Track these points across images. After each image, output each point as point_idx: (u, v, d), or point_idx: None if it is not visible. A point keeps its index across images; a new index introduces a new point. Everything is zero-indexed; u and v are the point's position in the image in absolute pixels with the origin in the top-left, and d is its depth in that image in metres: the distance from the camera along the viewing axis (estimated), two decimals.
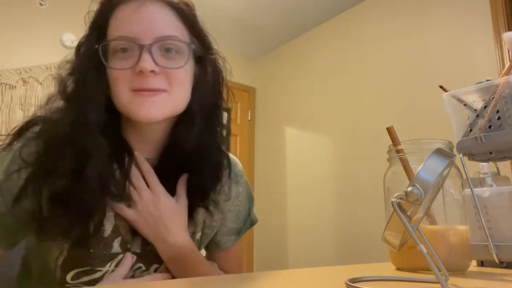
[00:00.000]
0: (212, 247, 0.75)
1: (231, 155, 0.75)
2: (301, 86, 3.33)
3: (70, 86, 0.61)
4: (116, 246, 0.60)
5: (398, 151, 0.55)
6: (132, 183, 0.61)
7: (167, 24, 0.59)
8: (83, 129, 0.57)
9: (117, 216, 0.61)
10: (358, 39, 2.90)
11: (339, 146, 2.91)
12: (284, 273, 0.54)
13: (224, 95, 0.69)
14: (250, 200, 0.79)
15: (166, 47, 0.59)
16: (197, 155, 0.64)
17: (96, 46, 0.58)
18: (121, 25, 0.58)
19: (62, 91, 0.61)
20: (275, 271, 0.54)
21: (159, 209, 0.61)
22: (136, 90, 0.57)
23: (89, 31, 0.62)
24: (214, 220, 0.70)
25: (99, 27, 0.61)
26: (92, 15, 0.62)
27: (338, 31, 3.08)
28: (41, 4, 2.59)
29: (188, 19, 0.63)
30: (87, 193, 0.55)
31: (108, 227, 0.60)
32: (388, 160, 0.59)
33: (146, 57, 0.56)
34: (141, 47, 0.56)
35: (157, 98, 0.58)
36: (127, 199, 0.60)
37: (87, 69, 0.59)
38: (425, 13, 2.49)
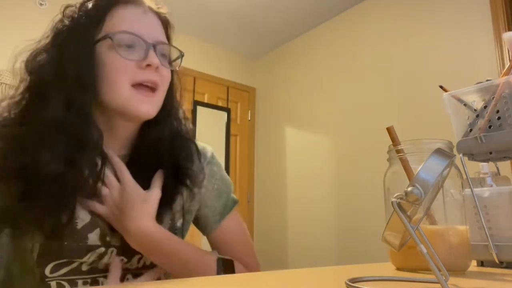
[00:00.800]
0: (203, 230, 0.77)
1: (200, 142, 0.79)
2: (301, 86, 3.33)
3: (51, 72, 0.60)
4: (93, 238, 0.61)
5: (398, 151, 0.55)
6: (103, 180, 0.62)
7: (162, 32, 0.68)
8: (78, 115, 0.58)
9: None
10: (358, 39, 2.90)
11: (339, 146, 2.91)
12: (284, 273, 0.54)
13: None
14: (228, 181, 0.81)
15: (162, 52, 0.66)
16: (167, 147, 0.67)
17: (111, 34, 0.61)
18: (126, 23, 0.63)
19: (41, 78, 0.60)
20: (275, 271, 0.54)
21: (123, 198, 0.61)
22: (136, 85, 0.62)
23: (78, 19, 0.63)
24: (192, 205, 0.73)
25: (93, 19, 0.63)
26: (84, 6, 0.65)
27: (338, 31, 3.08)
28: (41, 4, 2.59)
29: (169, 33, 0.71)
30: (75, 180, 0.56)
31: (81, 220, 0.61)
32: (388, 160, 0.59)
33: (153, 53, 0.63)
34: (149, 45, 0.63)
35: (153, 99, 0.64)
36: (98, 195, 0.61)
37: (82, 56, 0.60)
38: (425, 13, 2.49)
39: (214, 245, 0.77)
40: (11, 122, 0.60)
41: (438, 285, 0.34)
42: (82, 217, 0.61)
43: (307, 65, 3.30)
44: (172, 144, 0.69)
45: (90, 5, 0.65)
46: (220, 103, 3.53)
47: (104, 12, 0.63)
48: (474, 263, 0.61)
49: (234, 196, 0.81)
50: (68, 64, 0.60)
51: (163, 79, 0.65)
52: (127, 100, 0.61)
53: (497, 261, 0.57)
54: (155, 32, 0.66)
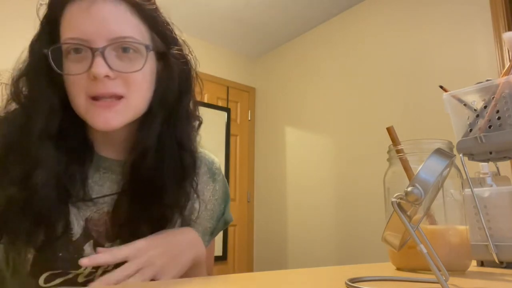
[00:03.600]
0: None
1: (207, 152, 0.73)
2: (301, 86, 3.33)
3: (23, 88, 0.58)
4: (89, 250, 0.58)
5: (398, 151, 0.55)
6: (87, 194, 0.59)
7: (123, 23, 0.55)
8: (30, 136, 0.54)
9: (90, 220, 0.59)
10: (358, 39, 2.90)
11: (339, 146, 2.91)
12: (284, 273, 0.54)
13: (196, 88, 0.66)
14: (226, 198, 0.76)
15: (123, 47, 0.55)
16: (160, 156, 0.61)
17: (46, 51, 0.54)
18: (72, 25, 0.54)
19: (15, 93, 0.58)
20: (275, 271, 0.54)
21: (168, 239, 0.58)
22: (94, 98, 0.55)
23: (39, 28, 0.58)
24: (190, 217, 0.68)
25: (49, 25, 0.57)
26: (43, 9, 0.58)
27: (338, 31, 3.08)
28: (41, 4, 2.59)
29: (147, 14, 0.58)
30: (37, 200, 0.53)
31: (76, 231, 0.58)
32: (388, 160, 0.59)
33: (99, 61, 0.52)
34: (93, 51, 0.53)
35: (115, 108, 0.55)
36: (89, 200, 0.58)
37: (39, 72, 0.56)
38: (426, 13, 2.49)
39: None
40: None
41: (438, 285, 0.34)
42: (76, 229, 0.58)
43: (307, 65, 3.30)
44: (160, 158, 0.60)
45: (47, 6, 0.57)
46: (220, 103, 3.53)
47: (57, 16, 0.56)
48: (474, 263, 0.61)
49: (228, 215, 0.76)
50: (26, 81, 0.57)
51: (129, 83, 0.55)
52: (85, 113, 0.55)
53: (497, 261, 0.57)
54: (109, 27, 0.53)
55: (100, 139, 0.62)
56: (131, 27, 0.56)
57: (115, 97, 0.55)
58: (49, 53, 0.54)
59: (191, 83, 0.65)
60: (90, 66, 0.52)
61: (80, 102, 0.55)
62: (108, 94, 0.54)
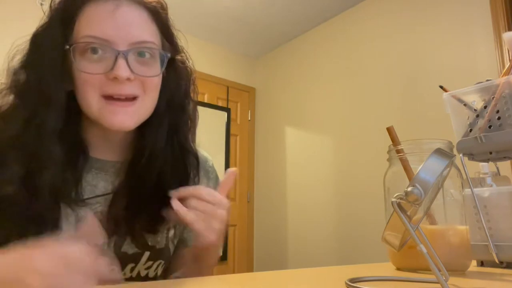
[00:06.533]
0: (178, 244, 0.72)
1: (201, 151, 0.73)
2: (301, 86, 3.33)
3: (22, 80, 0.55)
4: None
5: (398, 151, 0.55)
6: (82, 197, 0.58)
7: (144, 28, 0.57)
8: (37, 133, 0.53)
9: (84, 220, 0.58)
10: (359, 39, 2.90)
11: (339, 146, 2.91)
12: (284, 273, 0.54)
13: (192, 92, 0.69)
14: None
15: (141, 51, 0.57)
16: (165, 156, 0.62)
17: (67, 47, 0.54)
18: (94, 25, 0.54)
19: (14, 85, 0.55)
20: (275, 271, 0.54)
21: None
22: (108, 97, 0.55)
23: (50, 21, 0.57)
24: None
25: (64, 19, 0.56)
26: (56, 3, 0.58)
27: (338, 31, 3.08)
28: (41, 4, 2.59)
29: (163, 22, 0.61)
30: (34, 200, 0.52)
31: (68, 231, 0.57)
32: (388, 160, 0.59)
33: (122, 63, 0.53)
34: (117, 53, 0.53)
35: (130, 108, 0.56)
36: (82, 203, 0.57)
37: (48, 64, 0.55)
38: (426, 13, 2.49)
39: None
40: None
41: (438, 285, 0.34)
42: (68, 230, 0.57)
43: (307, 65, 3.30)
44: (168, 155, 0.62)
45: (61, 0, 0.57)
46: (220, 103, 3.53)
47: (74, 11, 0.55)
48: (474, 263, 0.61)
49: None
50: (33, 73, 0.55)
51: (146, 86, 0.57)
52: (98, 112, 0.55)
53: (497, 261, 0.57)
54: (132, 31, 0.55)
55: (98, 141, 0.62)
56: (151, 33, 0.58)
57: (129, 98, 0.56)
58: (71, 48, 0.54)
59: (191, 87, 0.68)
60: (113, 68, 0.53)
61: (93, 102, 0.55)
62: (124, 95, 0.55)
